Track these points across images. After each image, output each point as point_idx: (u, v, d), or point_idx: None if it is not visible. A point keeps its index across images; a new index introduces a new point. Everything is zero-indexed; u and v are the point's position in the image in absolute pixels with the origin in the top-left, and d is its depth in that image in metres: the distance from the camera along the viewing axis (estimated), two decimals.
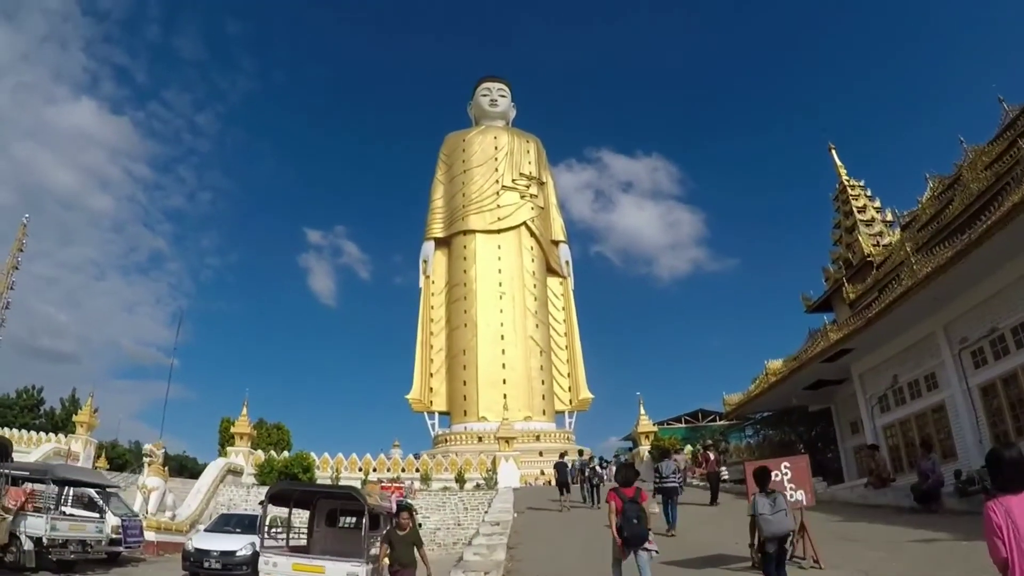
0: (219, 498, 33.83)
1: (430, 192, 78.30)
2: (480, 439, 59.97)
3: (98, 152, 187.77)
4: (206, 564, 19.95)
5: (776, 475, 12.34)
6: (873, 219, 36.64)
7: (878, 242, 34.46)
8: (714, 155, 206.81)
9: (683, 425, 68.71)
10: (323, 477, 37.32)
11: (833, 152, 39.85)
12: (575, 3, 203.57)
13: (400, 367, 71.90)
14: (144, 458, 29.41)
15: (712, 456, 23.91)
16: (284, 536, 16.23)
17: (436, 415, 70.46)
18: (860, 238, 34.89)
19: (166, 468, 29.64)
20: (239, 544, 19.76)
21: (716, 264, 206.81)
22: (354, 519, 18.56)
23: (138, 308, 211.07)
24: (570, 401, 71.98)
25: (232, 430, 39.92)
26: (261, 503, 15.87)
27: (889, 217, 37.05)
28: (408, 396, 69.34)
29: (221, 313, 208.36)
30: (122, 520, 22.56)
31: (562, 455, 30.48)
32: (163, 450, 29.39)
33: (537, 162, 78.26)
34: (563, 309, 76.64)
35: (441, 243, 75.82)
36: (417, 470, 39.50)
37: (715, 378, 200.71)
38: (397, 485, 24.98)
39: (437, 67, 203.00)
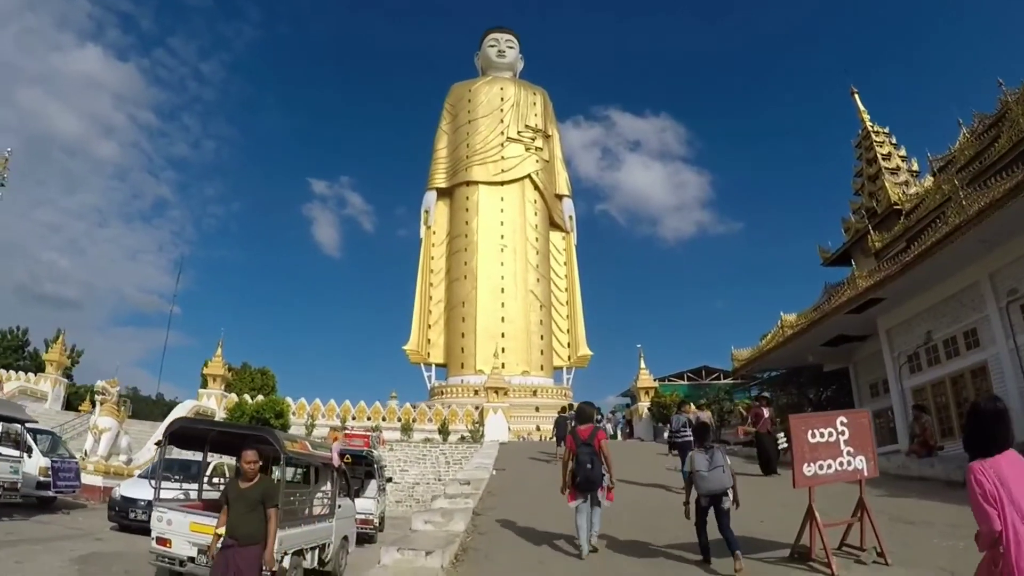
0: None
1: (434, 142, 74.00)
2: (476, 392, 56.30)
3: (103, 98, 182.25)
4: (131, 515, 16.91)
5: (830, 434, 8.63)
6: (898, 167, 32.61)
7: (904, 192, 30.45)
8: (723, 118, 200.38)
9: (685, 382, 64.83)
10: (298, 423, 33.97)
11: (856, 96, 35.61)
12: None
13: (401, 319, 68.56)
14: (96, 396, 25.92)
15: (766, 413, 19.41)
16: (198, 487, 12.83)
17: (433, 367, 67.13)
18: (886, 185, 30.90)
19: (122, 408, 26.14)
20: (170, 494, 16.36)
21: (721, 227, 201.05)
22: (302, 471, 15.20)
23: (141, 255, 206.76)
24: (569, 357, 68.59)
25: (204, 371, 36.45)
26: (157, 443, 12.22)
27: (915, 166, 33.00)
28: (405, 347, 66.09)
29: (224, 261, 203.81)
30: (52, 462, 19.33)
31: (562, 409, 27.16)
32: (118, 388, 25.86)
33: (543, 115, 73.94)
34: (565, 264, 72.97)
35: (443, 194, 71.74)
36: (399, 419, 36.00)
37: (718, 339, 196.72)
38: (362, 433, 21.35)
39: (446, 18, 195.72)
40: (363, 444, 20.93)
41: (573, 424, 22.08)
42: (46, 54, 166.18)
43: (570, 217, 74.24)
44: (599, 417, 29.90)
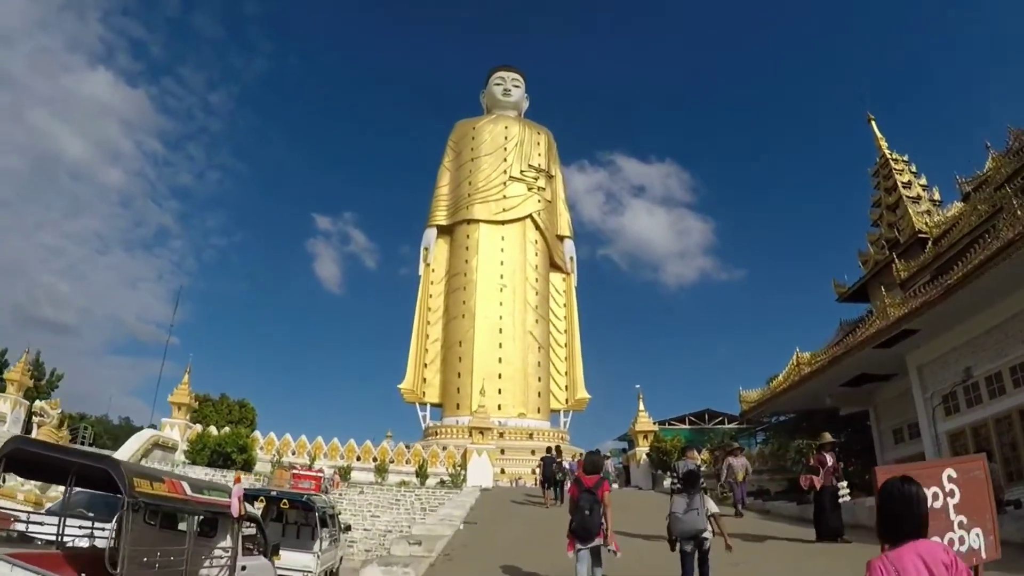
0: None
1: (436, 179, 71.00)
2: (471, 433, 52.86)
3: (111, 123, 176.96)
4: None
5: (934, 496, 5.15)
6: (919, 196, 29.36)
7: (929, 220, 27.11)
8: (728, 165, 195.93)
9: (687, 426, 60.82)
10: (265, 460, 30.33)
11: (872, 123, 32.50)
12: (592, 5, 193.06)
13: (400, 358, 64.65)
14: (34, 418, 22.44)
15: (830, 460, 13.82)
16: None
17: (428, 407, 63.18)
18: (909, 212, 27.61)
19: (65, 432, 22.58)
20: (78, 533, 12.93)
21: (724, 274, 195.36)
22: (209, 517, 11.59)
23: (140, 284, 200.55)
24: (566, 400, 64.73)
25: (169, 399, 32.81)
26: None
27: (937, 195, 29.75)
28: (400, 386, 62.20)
29: (224, 294, 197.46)
30: None
31: (548, 450, 24.42)
32: (59, 410, 22.41)
33: (547, 155, 71.14)
34: (564, 306, 69.43)
35: (444, 231, 68.53)
36: (374, 459, 32.08)
37: (720, 384, 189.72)
38: (311, 474, 17.80)
39: (453, 59, 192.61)
40: (312, 486, 17.46)
41: (561, 468, 20.13)
42: (56, 75, 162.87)
43: (571, 258, 70.98)
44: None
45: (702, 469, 19.06)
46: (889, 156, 30.87)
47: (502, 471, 45.75)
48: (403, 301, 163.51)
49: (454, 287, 66.06)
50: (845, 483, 14.09)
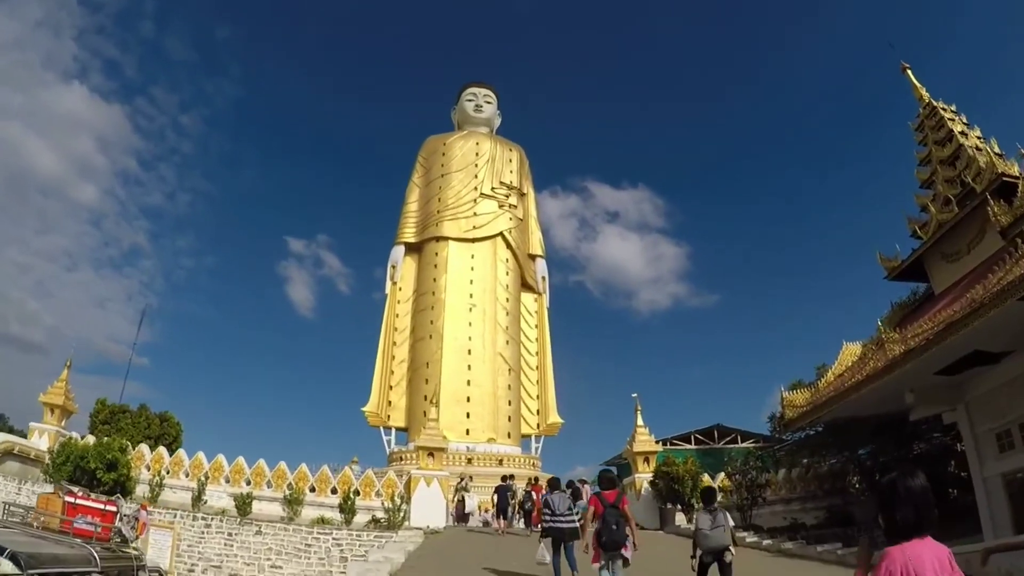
0: None
1: (405, 195, 62.76)
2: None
3: (86, 139, 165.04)
4: None
5: None
6: (978, 147, 21.59)
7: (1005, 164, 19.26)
8: (701, 192, 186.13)
9: (694, 446, 51.63)
10: (146, 480, 21.28)
11: (909, 73, 24.80)
12: (564, 30, 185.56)
13: (368, 381, 55.83)
14: None
15: None
16: None
17: (393, 431, 54.43)
18: (984, 157, 19.75)
19: None
20: None
21: (697, 299, 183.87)
22: None
23: (108, 304, 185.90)
24: (538, 425, 56.36)
25: (40, 399, 23.62)
26: None
27: (996, 148, 21.99)
28: (364, 408, 53.59)
29: (194, 315, 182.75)
30: None
31: (504, 479, 22.13)
32: None
33: (519, 172, 63.39)
34: (536, 327, 61.16)
35: (412, 249, 60.28)
36: (289, 486, 22.75)
37: (714, 404, 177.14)
38: (95, 505, 9.33)
39: (426, 79, 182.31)
40: (97, 527, 8.82)
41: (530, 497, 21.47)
42: (30, 88, 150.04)
43: (543, 278, 62.86)
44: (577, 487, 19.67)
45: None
46: (936, 105, 23.20)
47: (447, 505, 37.12)
48: (376, 324, 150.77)
49: (421, 307, 57.61)
50: None
